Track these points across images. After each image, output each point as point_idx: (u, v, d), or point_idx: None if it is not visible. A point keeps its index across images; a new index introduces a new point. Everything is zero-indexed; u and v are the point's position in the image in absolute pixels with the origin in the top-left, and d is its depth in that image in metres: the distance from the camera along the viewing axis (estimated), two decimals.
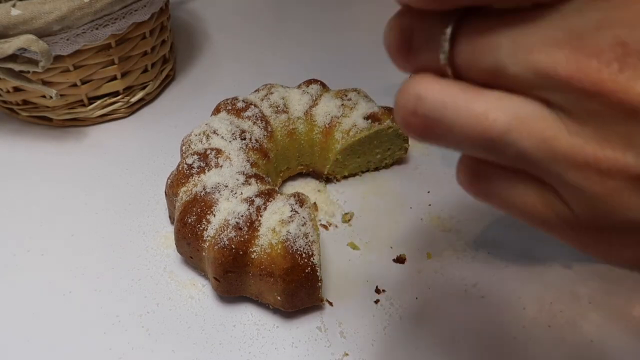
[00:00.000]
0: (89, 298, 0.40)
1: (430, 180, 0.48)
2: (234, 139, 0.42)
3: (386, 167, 0.50)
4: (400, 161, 0.50)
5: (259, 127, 0.44)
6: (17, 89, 0.51)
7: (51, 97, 0.47)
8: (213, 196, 0.38)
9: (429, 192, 0.47)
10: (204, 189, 0.38)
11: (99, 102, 0.54)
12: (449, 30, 0.16)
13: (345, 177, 0.49)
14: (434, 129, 0.16)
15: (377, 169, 0.49)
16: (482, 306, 0.39)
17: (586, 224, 0.16)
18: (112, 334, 0.37)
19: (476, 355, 0.36)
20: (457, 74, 0.16)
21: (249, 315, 0.38)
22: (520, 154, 0.15)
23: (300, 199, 0.38)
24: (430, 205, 0.46)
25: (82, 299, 0.40)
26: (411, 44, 0.17)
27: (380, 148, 0.47)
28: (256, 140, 0.43)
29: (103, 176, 0.49)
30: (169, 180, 0.42)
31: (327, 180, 0.48)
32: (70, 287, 0.40)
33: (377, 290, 0.40)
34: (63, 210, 0.46)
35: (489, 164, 0.17)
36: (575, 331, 0.37)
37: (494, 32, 0.15)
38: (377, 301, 0.39)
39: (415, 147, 0.52)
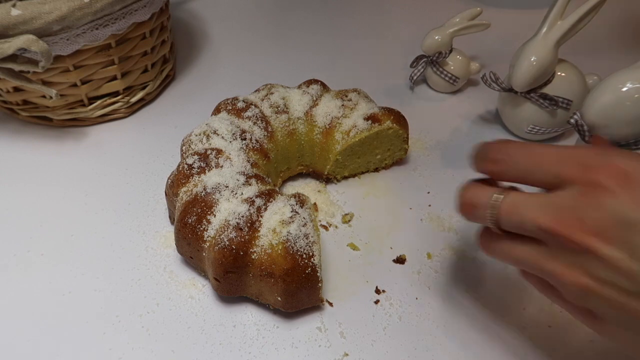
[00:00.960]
0: (89, 298, 0.40)
1: (430, 180, 0.48)
2: (234, 139, 0.42)
3: (386, 167, 0.50)
4: (400, 162, 0.50)
5: (259, 127, 0.44)
6: (17, 89, 0.51)
7: (51, 97, 0.47)
8: (213, 196, 0.38)
9: (429, 192, 0.47)
10: (205, 189, 0.38)
11: (99, 102, 0.54)
12: (493, 201, 0.29)
13: (345, 178, 0.49)
14: (494, 254, 0.31)
15: (377, 169, 0.49)
16: (482, 306, 0.39)
17: (578, 309, 0.29)
18: (112, 334, 0.37)
19: (476, 355, 0.36)
20: (500, 227, 0.29)
21: (249, 316, 0.38)
22: (529, 268, 0.29)
23: (300, 200, 0.38)
24: (430, 205, 0.46)
25: (82, 299, 0.40)
26: (475, 206, 0.30)
27: (380, 149, 0.47)
28: (256, 140, 0.43)
29: (103, 176, 0.49)
30: (169, 181, 0.42)
31: (327, 180, 0.48)
32: (70, 287, 0.40)
33: (377, 291, 0.40)
34: (63, 210, 0.46)
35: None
36: (575, 331, 0.37)
37: (519, 204, 0.28)
38: (377, 301, 0.39)
39: (415, 148, 0.52)
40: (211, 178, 0.39)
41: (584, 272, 0.26)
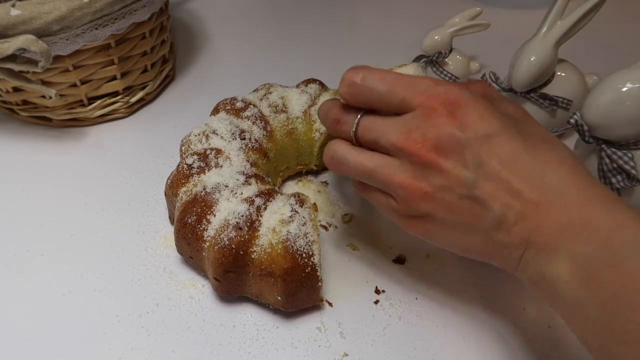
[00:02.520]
0: (89, 298, 0.40)
1: None
2: (233, 139, 0.42)
3: None
4: None
5: (258, 126, 0.44)
6: (16, 89, 0.51)
7: (51, 97, 0.47)
8: (213, 196, 0.38)
9: None
10: (204, 189, 0.38)
11: (98, 102, 0.54)
12: (356, 120, 0.34)
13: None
14: (341, 168, 0.34)
15: None
16: (482, 306, 0.39)
17: (404, 213, 0.33)
18: (112, 334, 0.37)
19: (476, 355, 0.36)
20: (358, 140, 0.34)
21: (248, 316, 0.38)
22: (378, 181, 0.33)
23: (300, 199, 0.38)
24: None
25: (82, 299, 0.40)
26: (339, 122, 0.35)
27: None
28: (255, 140, 0.43)
29: (103, 176, 0.49)
30: (169, 181, 0.42)
31: (317, 172, 0.49)
32: (70, 287, 0.40)
33: (377, 291, 0.40)
34: (63, 210, 0.46)
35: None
36: None
37: (376, 123, 0.33)
38: (377, 301, 0.39)
39: None
40: (211, 178, 0.39)
41: (427, 181, 0.31)
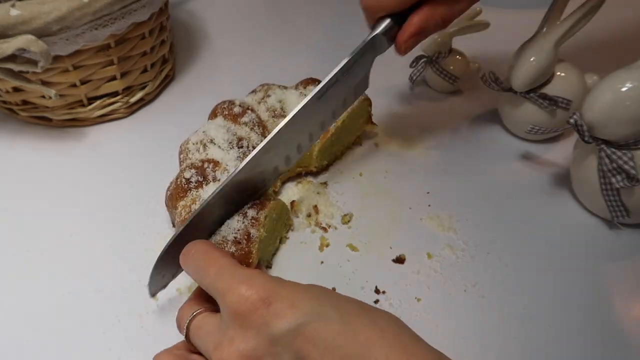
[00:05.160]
0: (89, 298, 0.40)
1: (429, 180, 0.48)
2: (231, 148, 0.42)
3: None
4: (400, 162, 0.50)
5: (256, 133, 0.44)
6: (16, 89, 0.51)
7: (50, 98, 0.47)
8: None
9: (428, 192, 0.47)
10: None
11: (98, 102, 0.54)
12: (187, 320, 0.31)
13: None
14: None
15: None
16: (482, 306, 0.39)
17: None
18: (112, 334, 0.37)
19: (476, 355, 0.36)
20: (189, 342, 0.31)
21: None
22: None
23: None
24: (429, 205, 0.46)
25: (82, 299, 0.40)
26: (179, 325, 0.32)
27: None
28: (253, 147, 0.43)
29: (103, 176, 0.49)
30: (168, 192, 0.42)
31: (317, 174, 0.49)
32: (70, 287, 0.40)
33: (377, 291, 0.40)
34: (63, 210, 0.46)
35: None
36: (575, 331, 0.37)
37: (201, 327, 0.30)
38: (376, 301, 0.39)
39: (415, 148, 0.52)
40: (208, 192, 0.40)
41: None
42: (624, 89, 0.38)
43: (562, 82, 0.48)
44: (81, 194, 0.48)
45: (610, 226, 0.44)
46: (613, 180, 0.40)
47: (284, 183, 0.48)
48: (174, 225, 0.44)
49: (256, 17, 0.74)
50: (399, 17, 0.38)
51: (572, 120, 0.40)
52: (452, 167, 0.50)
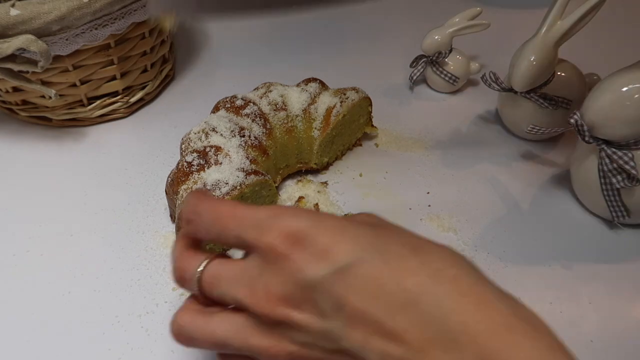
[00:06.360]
0: (89, 298, 0.40)
1: (430, 180, 0.48)
2: (233, 137, 0.42)
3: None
4: (399, 162, 0.50)
5: (258, 124, 0.44)
6: (16, 89, 0.51)
7: (50, 97, 0.47)
8: (213, 193, 0.38)
9: (428, 192, 0.47)
10: (204, 186, 0.39)
11: (98, 102, 0.54)
12: (197, 273, 0.27)
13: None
14: (193, 344, 0.28)
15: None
16: None
17: None
18: (111, 335, 0.37)
19: None
20: (205, 297, 0.28)
21: None
22: (237, 349, 0.27)
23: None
24: (430, 205, 0.46)
25: (81, 299, 0.40)
26: (183, 278, 0.28)
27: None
28: (255, 137, 0.43)
29: (103, 176, 0.49)
30: (169, 179, 0.42)
31: (317, 172, 0.49)
32: (69, 287, 0.40)
33: None
34: (63, 210, 0.46)
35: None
36: (575, 331, 0.37)
37: (219, 275, 0.27)
38: None
39: (415, 148, 0.52)
40: (211, 175, 0.39)
41: (287, 339, 0.25)
42: (624, 89, 0.38)
43: (563, 82, 0.48)
44: (81, 194, 0.48)
45: (610, 226, 0.44)
46: (613, 180, 0.40)
47: (284, 180, 0.48)
48: (172, 221, 0.44)
49: (257, 17, 0.74)
50: None
51: (572, 120, 0.40)
52: (452, 167, 0.50)
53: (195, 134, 0.43)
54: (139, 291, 0.40)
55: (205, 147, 0.41)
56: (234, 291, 0.26)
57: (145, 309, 0.39)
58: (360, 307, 0.23)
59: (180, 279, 0.29)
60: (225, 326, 0.27)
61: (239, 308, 0.27)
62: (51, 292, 0.40)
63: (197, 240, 0.29)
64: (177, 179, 0.40)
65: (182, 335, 0.28)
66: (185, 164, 0.40)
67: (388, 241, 0.25)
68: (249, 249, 0.27)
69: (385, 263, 0.24)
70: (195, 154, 0.41)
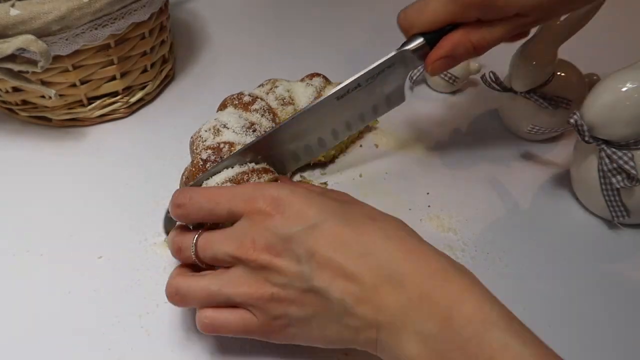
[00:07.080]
0: (89, 298, 0.40)
1: (429, 181, 0.48)
2: (246, 134, 0.43)
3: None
4: (399, 161, 0.50)
5: (267, 119, 0.45)
6: (16, 89, 0.51)
7: (50, 97, 0.47)
8: None
9: (428, 193, 0.47)
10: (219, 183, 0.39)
11: (98, 102, 0.54)
12: (193, 242, 0.34)
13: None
14: (188, 301, 0.33)
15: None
16: None
17: (264, 324, 0.32)
18: (111, 335, 0.37)
19: None
20: (201, 262, 0.34)
21: None
22: (228, 299, 0.32)
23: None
24: (429, 206, 0.46)
25: (81, 299, 0.40)
26: (180, 249, 0.34)
27: None
28: (266, 132, 0.43)
29: (103, 176, 0.49)
30: (184, 177, 0.42)
31: (324, 165, 0.49)
32: (69, 287, 0.40)
33: None
34: (63, 210, 0.46)
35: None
36: (575, 331, 0.37)
37: (211, 240, 0.33)
38: None
39: (415, 148, 0.52)
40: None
41: (269, 283, 0.31)
42: (624, 89, 0.38)
43: (562, 82, 0.48)
44: (81, 194, 0.48)
45: (610, 226, 0.44)
46: (613, 180, 0.40)
47: (292, 175, 0.48)
48: None
49: (257, 16, 0.74)
50: (434, 38, 0.38)
51: (572, 120, 0.40)
52: (452, 167, 0.50)
53: (206, 131, 0.43)
54: (139, 291, 0.40)
55: (219, 144, 0.41)
56: (225, 247, 0.32)
57: (145, 309, 0.39)
58: (326, 255, 0.30)
59: (178, 250, 0.34)
60: (217, 280, 0.32)
61: (227, 265, 0.33)
62: (51, 292, 0.40)
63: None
64: (193, 176, 0.41)
65: (178, 295, 0.33)
66: (200, 160, 0.41)
67: (351, 211, 0.32)
68: (236, 218, 0.33)
69: (346, 224, 0.31)
70: (209, 151, 0.41)
